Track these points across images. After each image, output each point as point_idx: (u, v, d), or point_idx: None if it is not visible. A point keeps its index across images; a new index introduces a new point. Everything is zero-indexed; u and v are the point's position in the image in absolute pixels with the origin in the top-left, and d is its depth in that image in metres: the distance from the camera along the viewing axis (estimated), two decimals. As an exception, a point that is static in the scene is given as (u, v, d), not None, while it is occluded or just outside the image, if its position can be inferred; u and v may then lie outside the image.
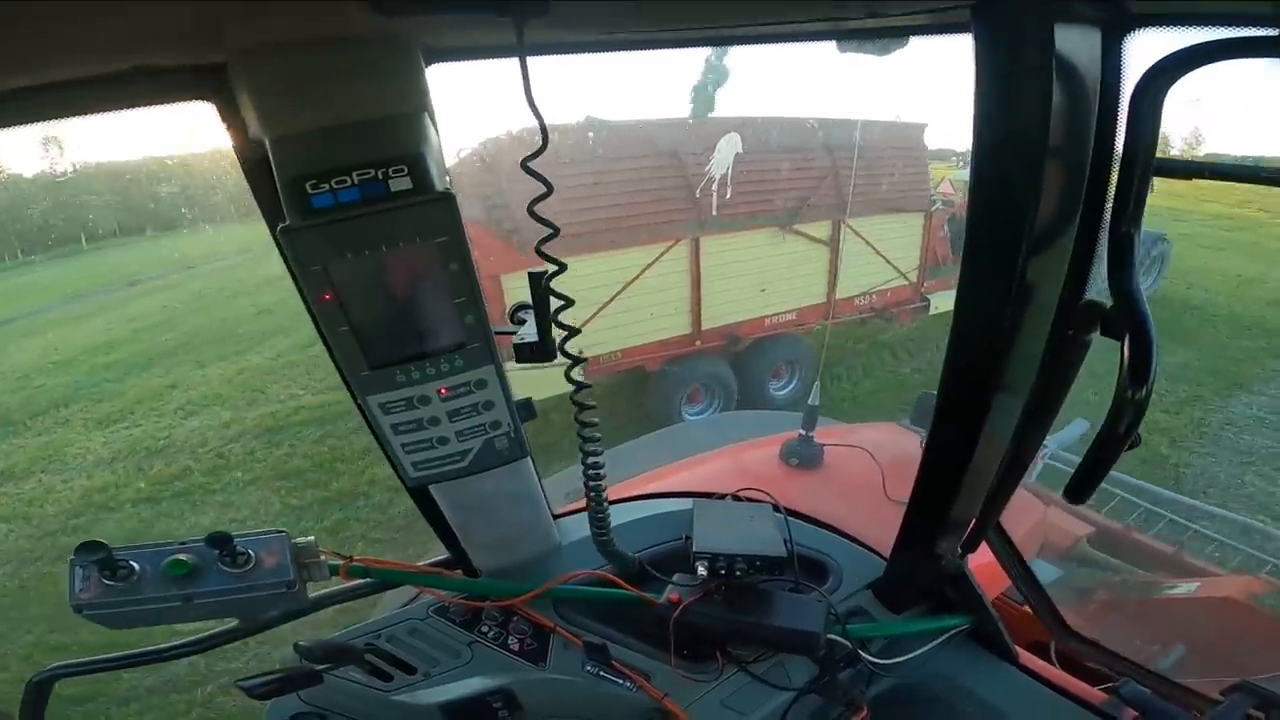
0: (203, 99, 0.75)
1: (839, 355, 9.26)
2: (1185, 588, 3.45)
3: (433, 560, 1.47)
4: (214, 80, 0.72)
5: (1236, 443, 6.88)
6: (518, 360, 0.96)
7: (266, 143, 0.70)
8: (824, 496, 1.94)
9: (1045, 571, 3.44)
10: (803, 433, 2.14)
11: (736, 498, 1.61)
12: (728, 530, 1.39)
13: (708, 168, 6.72)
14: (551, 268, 0.90)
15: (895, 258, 8.62)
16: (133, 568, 1.01)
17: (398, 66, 0.71)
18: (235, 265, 13.00)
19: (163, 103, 0.76)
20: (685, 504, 1.57)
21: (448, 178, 0.80)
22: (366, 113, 0.70)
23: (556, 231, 0.87)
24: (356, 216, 0.71)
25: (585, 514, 1.63)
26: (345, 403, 0.91)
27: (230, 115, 0.74)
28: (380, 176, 0.70)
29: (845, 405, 8.06)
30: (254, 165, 0.76)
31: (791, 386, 8.18)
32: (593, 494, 1.22)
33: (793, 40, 0.92)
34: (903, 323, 9.10)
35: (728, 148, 6.76)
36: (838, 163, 7.86)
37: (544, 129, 0.75)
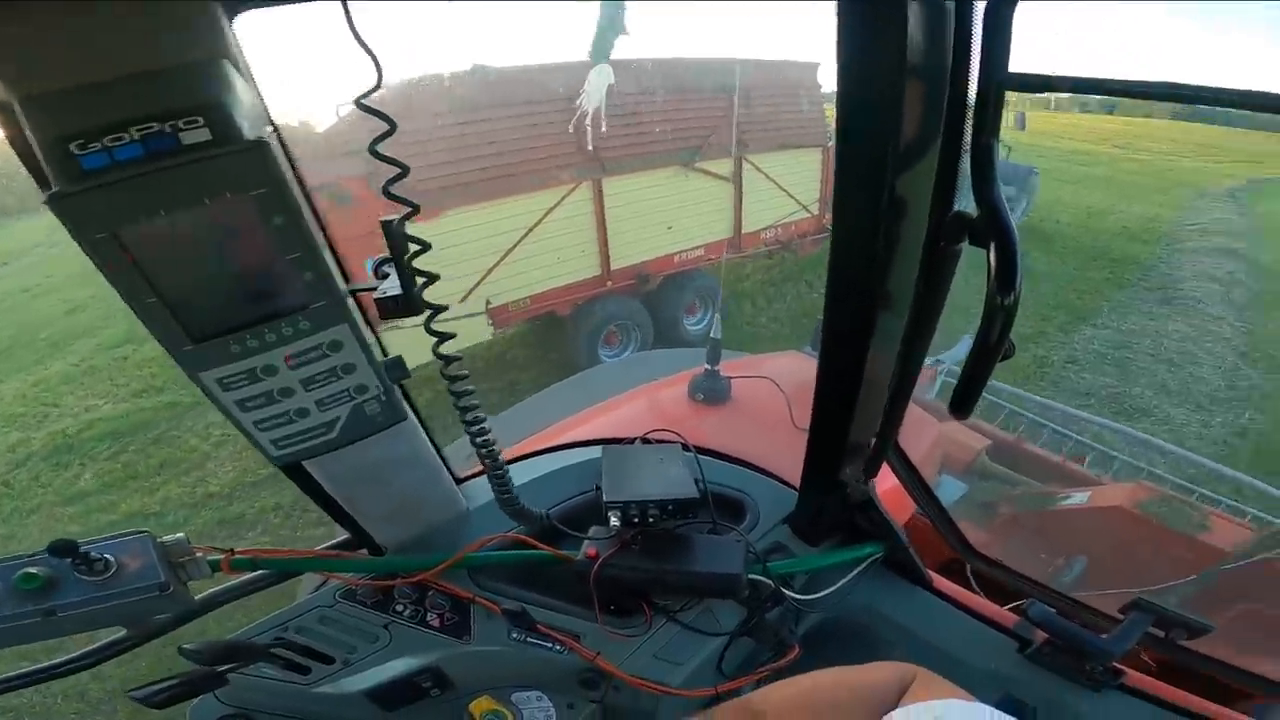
0: None
1: (754, 286, 9.56)
2: (1078, 498, 3.67)
3: (333, 542, 1.41)
4: None
5: (1077, 382, 7.34)
6: (382, 317, 0.90)
7: (15, 105, 0.61)
8: (734, 431, 1.96)
9: (953, 488, 3.64)
10: (708, 368, 2.13)
11: (646, 440, 1.58)
12: (637, 476, 1.37)
13: (578, 102, 6.63)
14: (405, 211, 0.86)
15: (797, 192, 8.99)
16: None
17: (179, 12, 0.63)
18: (51, 257, 11.90)
19: None
20: (594, 453, 1.55)
21: (269, 127, 0.74)
22: (142, 63, 0.62)
23: (405, 170, 0.82)
24: (142, 174, 0.63)
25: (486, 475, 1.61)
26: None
27: None
28: (169, 129, 0.63)
29: (763, 334, 8.36)
30: (17, 134, 0.67)
31: (706, 321, 8.36)
32: (485, 455, 1.17)
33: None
34: (806, 252, 9.49)
35: (599, 80, 6.65)
36: (737, 101, 7.97)
37: (378, 66, 0.70)
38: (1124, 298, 9.63)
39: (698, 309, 8.42)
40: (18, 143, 0.69)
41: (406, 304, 0.88)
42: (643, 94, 7.50)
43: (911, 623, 1.49)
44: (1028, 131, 16.10)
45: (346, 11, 0.66)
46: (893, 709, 0.74)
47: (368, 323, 0.92)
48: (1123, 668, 1.34)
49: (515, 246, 6.84)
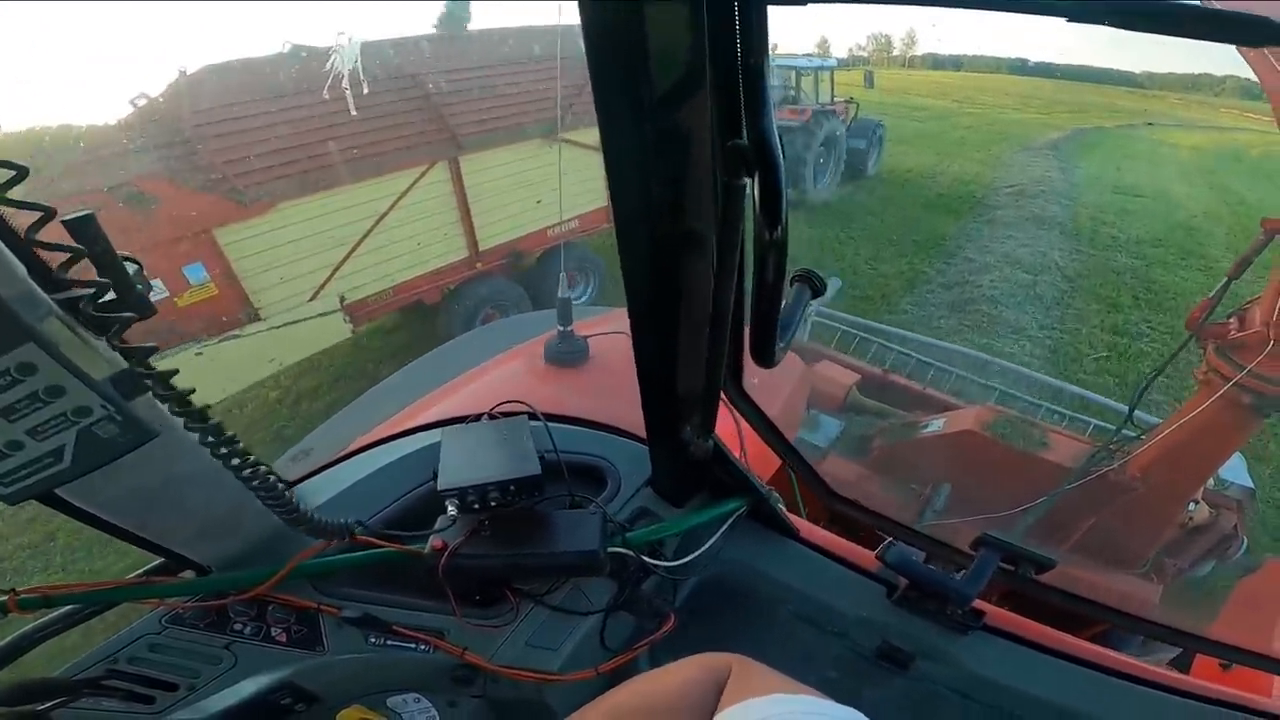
0: None
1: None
2: (935, 425, 3.86)
3: (150, 566, 1.26)
4: None
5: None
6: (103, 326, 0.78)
7: None
8: (592, 393, 1.89)
9: (830, 426, 3.76)
10: (560, 329, 2.04)
11: (492, 416, 1.51)
12: (476, 458, 1.30)
13: (328, 66, 6.11)
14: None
15: None
16: None
17: None
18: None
19: None
20: (438, 437, 1.45)
21: None
22: None
23: (23, 172, 0.67)
24: None
25: (325, 473, 1.51)
26: None
27: None
28: None
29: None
30: None
31: (589, 293, 8.38)
32: (247, 478, 1.05)
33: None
34: None
35: (345, 43, 6.16)
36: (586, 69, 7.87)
37: None
38: (911, 304, 8.95)
39: (577, 281, 8.34)
40: None
41: (135, 305, 0.77)
42: (493, 65, 7.32)
43: (786, 575, 1.49)
44: (876, 89, 16.71)
45: None
46: (713, 709, 0.69)
47: (102, 331, 0.79)
48: (984, 607, 1.39)
49: (366, 237, 6.55)
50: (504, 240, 7.66)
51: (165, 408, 0.85)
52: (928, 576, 1.37)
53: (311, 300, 6.24)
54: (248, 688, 1.24)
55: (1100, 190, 14.85)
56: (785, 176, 0.69)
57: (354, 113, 6.27)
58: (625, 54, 0.69)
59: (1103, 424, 4.16)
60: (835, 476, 1.54)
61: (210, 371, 5.31)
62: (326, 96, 6.07)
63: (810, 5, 0.71)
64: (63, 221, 0.72)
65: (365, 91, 6.25)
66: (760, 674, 0.74)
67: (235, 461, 1.00)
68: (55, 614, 1.19)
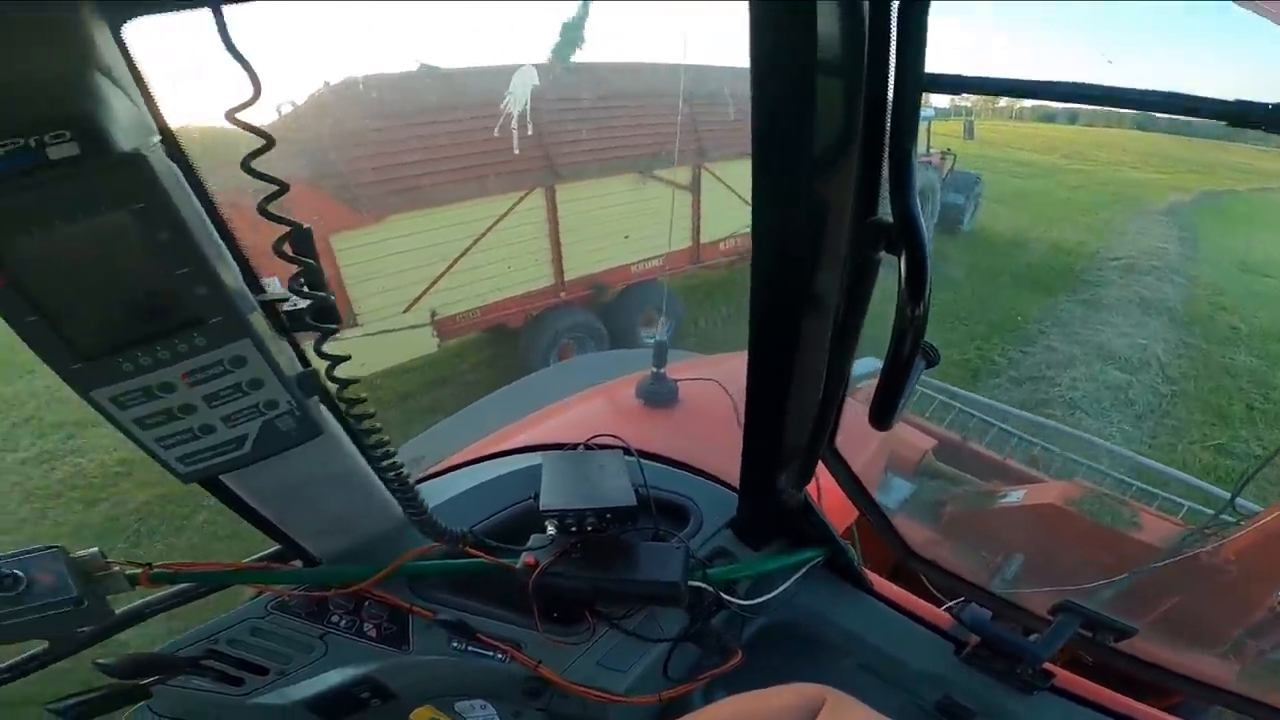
0: None
1: (720, 297, 9.26)
2: (1015, 496, 3.75)
3: (265, 554, 1.37)
4: None
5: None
6: (292, 330, 0.88)
7: None
8: (680, 434, 1.95)
9: (900, 489, 3.70)
10: (655, 370, 2.11)
11: (588, 447, 1.59)
12: (576, 484, 1.36)
13: (502, 105, 6.49)
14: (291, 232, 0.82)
15: None
16: None
17: (47, 23, 0.61)
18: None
19: None
20: (536, 459, 1.54)
21: (155, 138, 0.71)
22: (5, 75, 0.60)
23: (284, 188, 0.78)
24: (11, 191, 0.61)
25: (431, 482, 1.59)
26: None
27: None
28: (33, 144, 0.60)
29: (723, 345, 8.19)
30: None
31: (666, 333, 8.26)
32: (391, 479, 1.14)
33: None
34: None
35: (522, 83, 6.53)
36: (696, 109, 7.97)
37: (255, 78, 0.68)
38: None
39: (655, 321, 8.30)
40: None
41: (316, 317, 0.86)
42: (600, 98, 7.43)
43: (853, 626, 1.51)
44: (976, 140, 15.29)
45: (220, 22, 0.64)
46: None
47: (284, 332, 0.90)
48: (1053, 670, 1.37)
49: (464, 255, 6.73)
50: (588, 272, 7.74)
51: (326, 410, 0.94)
52: (1002, 635, 1.37)
53: (405, 312, 6.46)
54: (332, 678, 1.31)
55: (1224, 267, 12.62)
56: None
57: (516, 151, 6.59)
58: (790, 129, 0.76)
59: (1197, 507, 3.95)
60: (906, 537, 1.55)
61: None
62: (496, 134, 6.42)
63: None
64: (290, 231, 0.82)
65: (529, 133, 6.56)
66: (853, 709, 0.74)
67: (385, 464, 1.09)
68: (173, 590, 1.28)
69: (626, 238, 7.91)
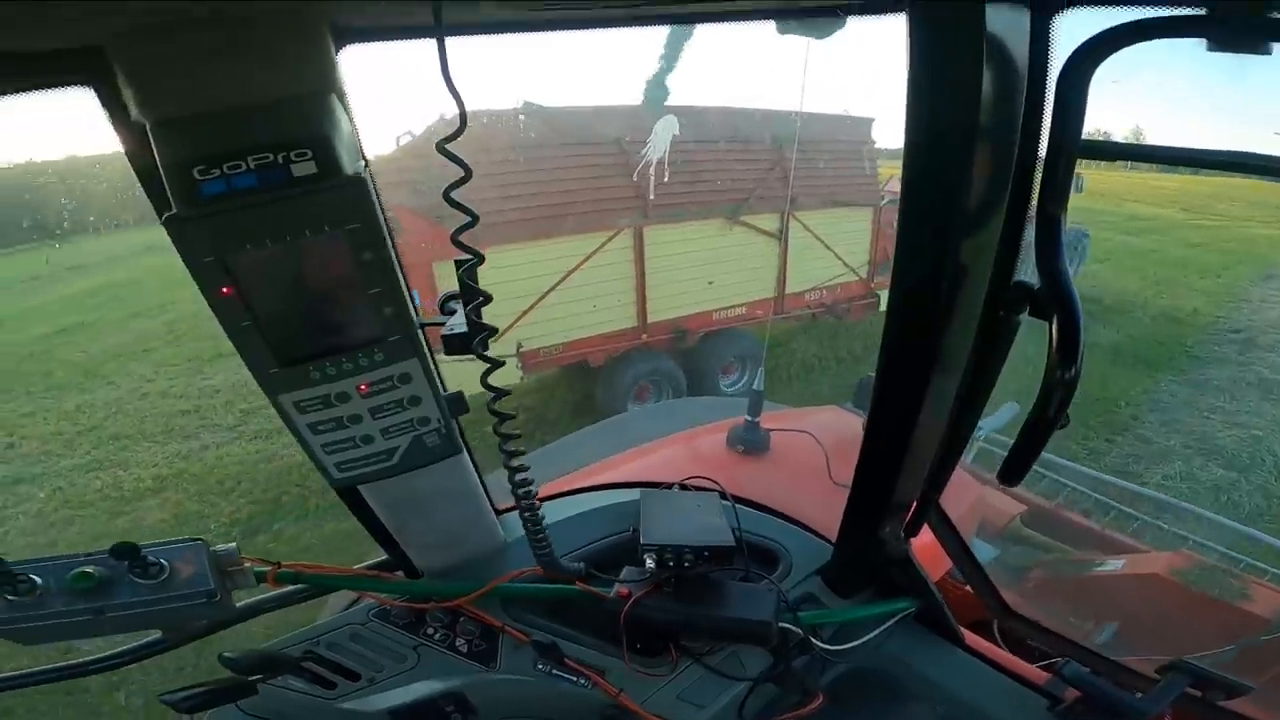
0: (81, 84, 0.70)
1: (802, 353, 8.93)
2: (1113, 565, 3.55)
3: (371, 563, 1.43)
4: (92, 64, 0.66)
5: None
6: (446, 353, 0.93)
7: (147, 128, 0.64)
8: (771, 482, 1.95)
9: (983, 551, 3.53)
10: (749, 419, 2.14)
11: (684, 487, 1.61)
12: (675, 521, 1.39)
13: (644, 152, 6.61)
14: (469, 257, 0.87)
15: (844, 253, 8.59)
16: (34, 581, 0.96)
17: (299, 46, 0.67)
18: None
19: (38, 89, 0.70)
20: (632, 495, 1.56)
21: (362, 161, 0.77)
22: (263, 95, 0.65)
23: (475, 219, 0.84)
24: (255, 205, 0.67)
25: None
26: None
27: (111, 101, 0.68)
28: (280, 161, 0.66)
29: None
30: (139, 155, 0.70)
31: (743, 383, 8.06)
32: (525, 508, 1.18)
33: (723, 20, 0.91)
34: (854, 318, 8.96)
35: (664, 130, 6.65)
36: (785, 155, 7.82)
37: (463, 112, 0.73)
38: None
39: (734, 370, 8.12)
40: (138, 162, 0.73)
41: (469, 342, 0.92)
42: (694, 142, 7.35)
43: (941, 678, 1.49)
44: (1085, 193, 12.80)
45: (442, 54, 0.68)
46: None
47: (433, 356, 0.95)
48: None
49: (551, 290, 6.76)
50: (671, 316, 7.63)
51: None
52: (1106, 691, 1.33)
53: (494, 341, 6.50)
54: (420, 689, 1.33)
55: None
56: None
57: (652, 197, 6.75)
58: (941, 190, 0.78)
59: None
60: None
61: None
62: (635, 179, 6.60)
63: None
64: (475, 258, 0.88)
65: (665, 179, 6.70)
66: None
67: (521, 490, 1.13)
68: (290, 589, 1.33)
69: (710, 283, 7.79)
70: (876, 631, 1.48)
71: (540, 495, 1.71)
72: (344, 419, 0.86)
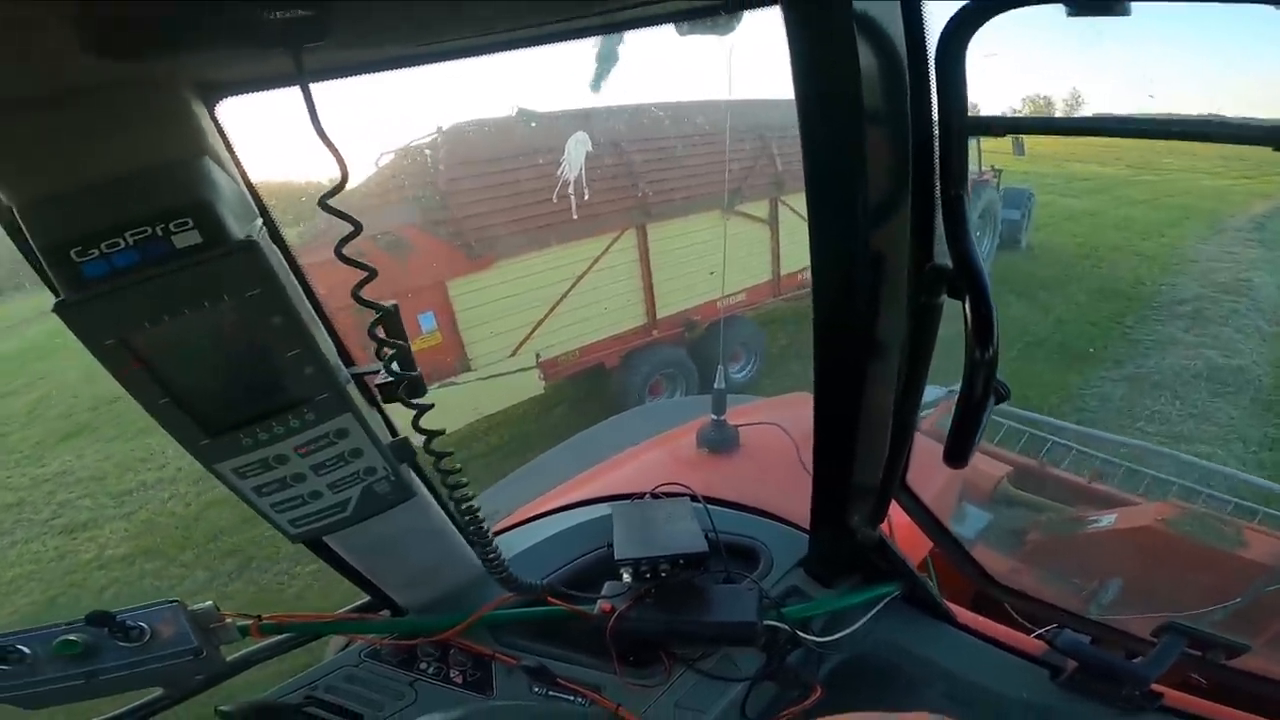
0: None
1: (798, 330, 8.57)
2: (1105, 520, 3.46)
3: (355, 605, 1.41)
4: None
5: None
6: (384, 401, 0.89)
7: (14, 210, 0.60)
8: (743, 479, 1.92)
9: (976, 519, 3.46)
10: (714, 418, 2.09)
11: (655, 495, 1.59)
12: (648, 532, 1.37)
13: (559, 171, 6.29)
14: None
15: None
16: (22, 651, 0.95)
17: (160, 110, 0.62)
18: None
19: None
20: (605, 510, 1.55)
21: (258, 221, 0.72)
22: (127, 164, 0.61)
23: (372, 273, 0.78)
24: (144, 280, 0.62)
25: (507, 535, 1.61)
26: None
27: None
28: (160, 233, 0.61)
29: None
30: (18, 237, 0.66)
31: (749, 369, 8.04)
32: (474, 535, 1.16)
33: (613, 30, 0.86)
34: None
35: (576, 148, 6.34)
36: (768, 142, 7.79)
37: (342, 164, 0.66)
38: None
39: (741, 356, 8.04)
40: (22, 248, 0.67)
41: (406, 388, 0.87)
42: (684, 137, 7.34)
43: (936, 656, 1.46)
44: (1028, 155, 12.13)
45: (310, 107, 0.63)
46: None
47: (373, 403, 0.91)
48: (1161, 690, 1.30)
49: (564, 298, 6.70)
50: (679, 309, 7.61)
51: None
52: (1103, 658, 1.29)
53: (512, 355, 6.47)
54: None
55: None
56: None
57: (575, 217, 6.47)
58: (839, 181, 0.74)
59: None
60: (985, 567, 1.48)
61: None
62: (555, 200, 6.34)
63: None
64: (379, 312, 0.83)
65: (586, 198, 6.43)
66: None
67: (470, 525, 1.12)
68: (279, 638, 1.31)
69: (712, 273, 7.70)
70: (865, 618, 1.44)
71: (514, 520, 1.71)
72: (287, 479, 0.83)
